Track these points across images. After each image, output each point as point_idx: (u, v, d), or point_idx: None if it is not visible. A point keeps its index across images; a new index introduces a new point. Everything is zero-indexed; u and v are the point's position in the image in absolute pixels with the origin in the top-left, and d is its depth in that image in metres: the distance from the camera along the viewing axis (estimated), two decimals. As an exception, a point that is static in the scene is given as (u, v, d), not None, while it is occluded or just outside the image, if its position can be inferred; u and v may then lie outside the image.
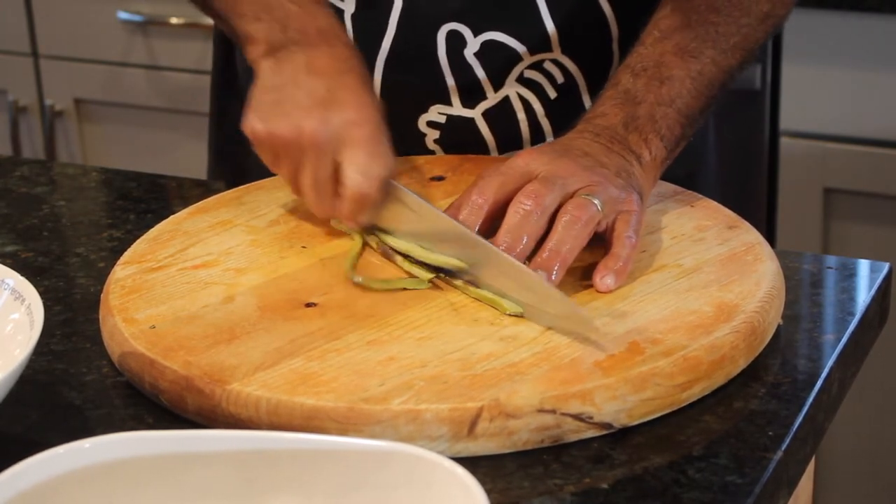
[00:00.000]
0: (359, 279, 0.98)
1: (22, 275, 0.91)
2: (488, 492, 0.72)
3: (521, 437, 0.84)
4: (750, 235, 1.03)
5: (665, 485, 0.81)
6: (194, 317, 0.95)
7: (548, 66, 1.19)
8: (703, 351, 0.89)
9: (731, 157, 1.48)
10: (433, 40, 1.18)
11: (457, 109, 1.20)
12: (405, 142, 1.20)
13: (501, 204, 0.98)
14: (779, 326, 0.96)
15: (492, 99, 1.20)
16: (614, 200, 0.98)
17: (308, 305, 0.96)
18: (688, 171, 1.21)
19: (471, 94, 1.19)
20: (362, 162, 1.00)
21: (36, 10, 2.31)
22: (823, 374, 0.92)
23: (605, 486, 0.82)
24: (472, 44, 1.18)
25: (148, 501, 0.75)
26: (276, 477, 0.75)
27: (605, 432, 0.86)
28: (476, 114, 1.20)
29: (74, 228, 1.19)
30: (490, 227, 0.98)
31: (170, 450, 0.75)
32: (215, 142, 1.40)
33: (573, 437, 0.85)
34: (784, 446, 0.84)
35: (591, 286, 0.96)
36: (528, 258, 0.96)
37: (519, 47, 1.18)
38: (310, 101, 1.02)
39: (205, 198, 1.13)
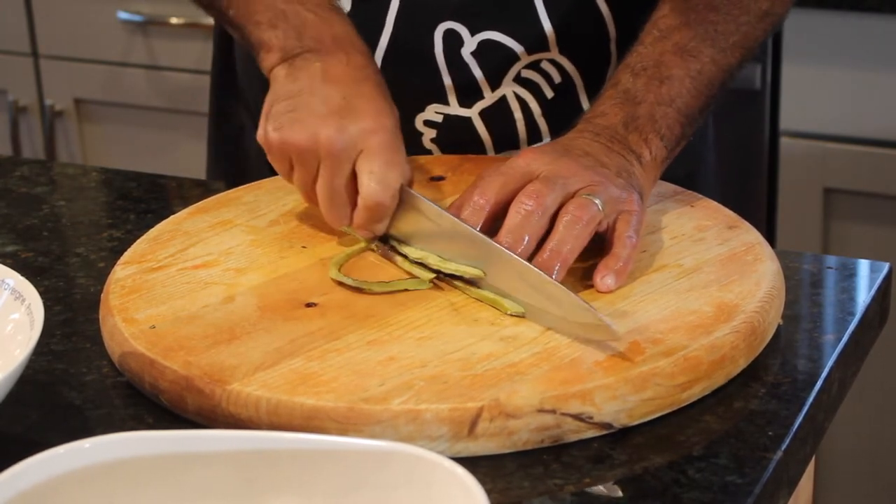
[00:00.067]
0: (349, 280, 0.97)
1: (22, 275, 0.91)
2: (488, 492, 0.72)
3: (521, 437, 0.84)
4: (750, 235, 1.03)
5: (665, 485, 0.81)
6: (194, 317, 0.95)
7: (545, 65, 1.19)
8: (704, 351, 0.89)
9: (730, 156, 1.48)
10: (430, 39, 1.18)
11: (454, 109, 1.20)
12: (403, 141, 1.20)
13: (503, 204, 0.98)
14: (779, 326, 0.96)
15: (489, 98, 1.20)
16: (615, 200, 0.98)
17: (308, 305, 0.96)
18: (688, 171, 1.21)
19: (468, 94, 1.19)
20: (378, 171, 0.99)
21: (36, 10, 2.31)
22: (823, 374, 0.92)
23: (605, 486, 0.82)
24: (469, 43, 1.18)
25: (148, 501, 0.74)
26: (276, 477, 0.75)
27: (605, 432, 0.86)
28: (473, 113, 1.20)
29: (74, 228, 1.19)
30: (491, 228, 0.98)
31: (170, 450, 0.75)
32: (215, 142, 1.40)
33: (573, 437, 0.85)
34: (784, 446, 0.84)
35: (592, 286, 0.96)
36: (529, 258, 0.96)
37: (516, 47, 1.18)
38: (325, 109, 1.01)
39: (205, 198, 1.13)
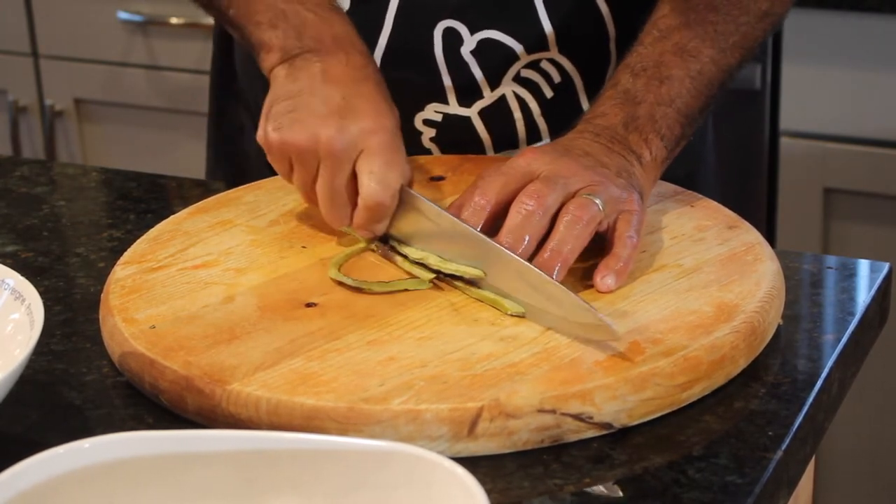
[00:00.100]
0: (349, 280, 0.98)
1: (22, 275, 0.91)
2: (488, 492, 0.72)
3: (521, 437, 0.84)
4: (750, 235, 1.03)
5: (665, 485, 0.81)
6: (194, 317, 0.95)
7: (544, 65, 1.19)
8: (704, 351, 0.89)
9: (730, 156, 1.48)
10: (429, 38, 1.18)
11: (453, 108, 1.20)
12: (402, 140, 1.20)
13: (503, 204, 0.98)
14: (779, 326, 0.96)
15: (488, 98, 1.20)
16: (616, 200, 0.98)
17: (308, 305, 0.96)
18: (688, 171, 1.21)
19: (467, 93, 1.19)
20: (378, 171, 0.99)
21: (36, 10, 2.31)
22: (823, 374, 0.92)
23: (605, 486, 0.82)
24: (469, 42, 1.18)
25: (148, 501, 0.74)
26: (276, 477, 0.75)
27: (605, 432, 0.86)
28: (472, 112, 1.20)
29: (74, 228, 1.19)
30: (492, 228, 0.98)
31: (170, 450, 0.75)
32: (214, 142, 1.40)
33: (573, 437, 0.85)
34: (784, 446, 0.84)
35: (592, 286, 0.96)
36: (530, 258, 0.96)
37: (516, 46, 1.18)
38: (326, 109, 1.01)
39: (204, 198, 1.13)
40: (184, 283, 0.99)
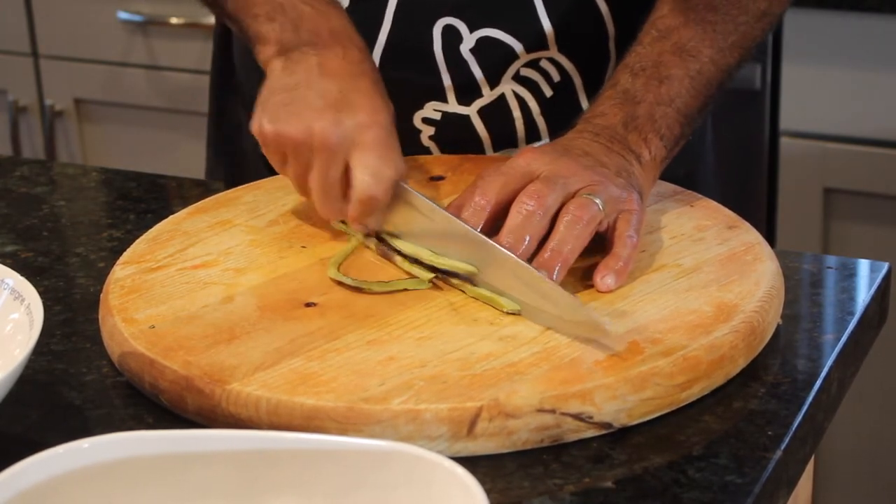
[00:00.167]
0: (348, 280, 0.98)
1: (22, 275, 0.91)
2: (488, 492, 0.72)
3: (521, 437, 0.84)
4: (749, 235, 1.03)
5: (665, 485, 0.81)
6: (194, 317, 0.95)
7: (544, 64, 1.19)
8: (703, 351, 0.89)
9: (730, 156, 1.49)
10: (429, 35, 1.18)
11: (452, 106, 1.20)
12: (401, 138, 1.20)
13: (504, 204, 0.98)
14: (778, 326, 0.96)
15: (487, 96, 1.20)
16: (615, 200, 0.98)
17: (308, 305, 0.96)
18: (687, 171, 1.21)
19: (466, 91, 1.19)
20: (372, 164, 0.99)
21: (36, 10, 2.31)
22: (823, 374, 0.92)
23: (605, 486, 0.82)
24: (468, 40, 1.18)
25: (148, 501, 0.75)
26: (276, 477, 0.75)
27: (604, 432, 0.86)
28: (471, 111, 1.20)
29: (74, 228, 1.19)
30: (492, 227, 0.98)
31: (170, 450, 0.75)
32: (214, 141, 1.41)
33: (573, 437, 0.85)
34: (783, 446, 0.84)
35: (592, 286, 0.96)
36: (530, 258, 0.96)
37: (515, 45, 1.18)
38: (321, 102, 1.01)
39: (204, 197, 1.13)
40: (183, 283, 0.99)
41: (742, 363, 0.91)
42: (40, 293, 0.89)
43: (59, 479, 0.73)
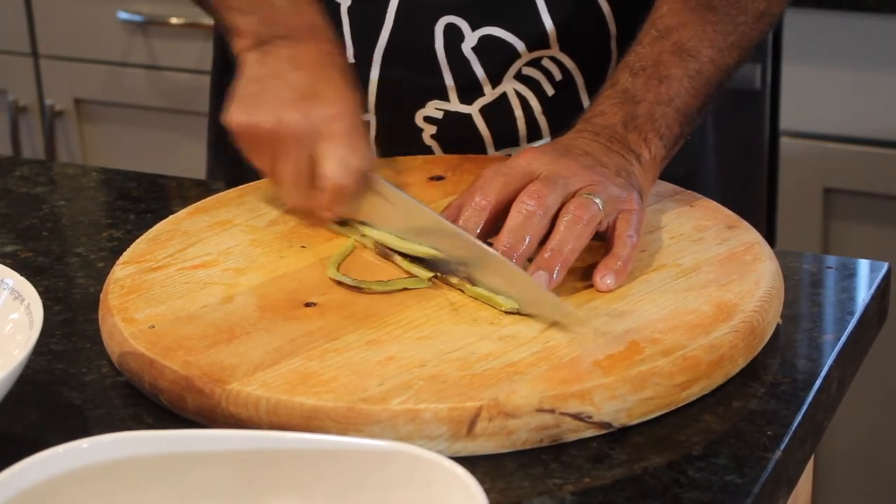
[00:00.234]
0: (348, 280, 0.98)
1: (22, 275, 0.91)
2: (488, 492, 0.72)
3: (521, 437, 0.84)
4: (749, 235, 1.03)
5: (665, 485, 0.81)
6: (194, 317, 0.95)
7: (546, 63, 1.19)
8: (703, 350, 0.89)
9: (730, 156, 1.48)
10: (430, 34, 1.18)
11: (454, 105, 1.20)
12: (402, 137, 1.21)
13: (504, 204, 0.98)
14: (778, 326, 0.96)
15: (489, 95, 1.20)
16: (615, 199, 0.98)
17: (307, 305, 0.96)
18: (687, 171, 1.21)
19: (468, 90, 1.20)
20: (340, 154, 1.02)
21: (36, 10, 2.31)
22: (823, 374, 0.92)
23: (604, 485, 0.82)
24: (470, 38, 1.18)
25: (148, 501, 0.75)
26: (276, 477, 0.75)
27: (604, 431, 0.86)
28: (473, 110, 1.20)
29: (74, 228, 1.19)
30: (492, 227, 0.98)
31: (170, 450, 0.75)
32: (214, 141, 1.41)
33: (572, 437, 0.85)
34: (783, 446, 0.84)
35: (591, 286, 0.96)
36: (530, 259, 0.96)
37: (517, 44, 1.18)
38: (292, 93, 1.04)
39: (204, 197, 1.13)
40: (183, 282, 0.99)
41: (742, 363, 0.91)
42: (40, 293, 0.89)
43: (59, 479, 0.73)
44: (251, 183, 1.15)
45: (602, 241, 0.98)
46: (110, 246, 1.13)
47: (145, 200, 1.23)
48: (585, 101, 1.21)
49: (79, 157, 2.36)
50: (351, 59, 1.21)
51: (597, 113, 1.06)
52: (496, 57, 1.19)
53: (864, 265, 1.06)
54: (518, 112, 1.20)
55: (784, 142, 1.87)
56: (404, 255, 1.01)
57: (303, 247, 1.04)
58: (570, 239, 0.95)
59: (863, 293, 1.02)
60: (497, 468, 0.83)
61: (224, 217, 1.09)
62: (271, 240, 1.05)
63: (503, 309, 0.94)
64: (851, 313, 0.99)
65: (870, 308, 1.01)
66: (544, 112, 1.21)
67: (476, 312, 0.94)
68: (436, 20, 1.18)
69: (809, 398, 0.89)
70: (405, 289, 0.97)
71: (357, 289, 0.97)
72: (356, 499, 0.74)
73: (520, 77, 1.20)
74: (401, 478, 0.73)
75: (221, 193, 1.14)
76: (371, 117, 1.22)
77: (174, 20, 2.21)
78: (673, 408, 0.88)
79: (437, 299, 0.96)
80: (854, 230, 1.87)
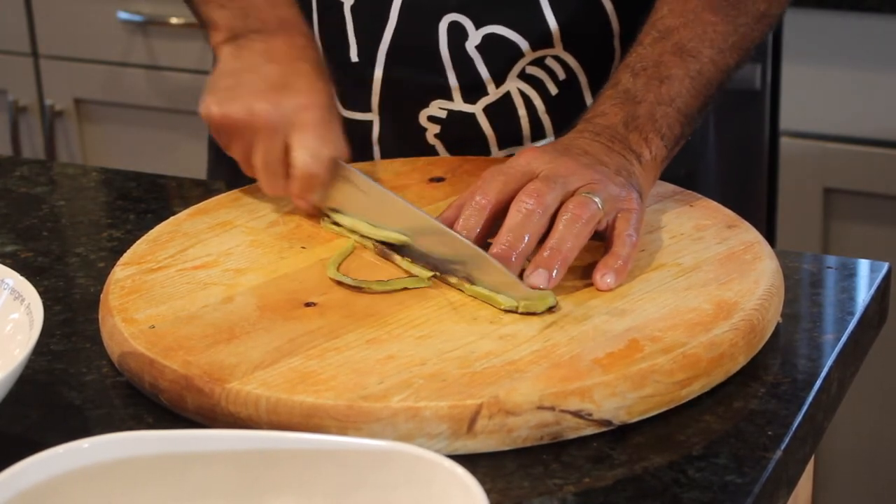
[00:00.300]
0: (348, 279, 0.98)
1: (22, 275, 0.91)
2: (488, 491, 0.72)
3: (521, 435, 0.84)
4: (749, 234, 1.03)
5: (665, 485, 0.81)
6: (194, 317, 0.95)
7: (549, 62, 1.19)
8: (703, 348, 0.89)
9: (730, 156, 1.49)
10: (434, 32, 1.18)
11: (458, 104, 1.20)
12: (406, 136, 1.21)
13: (504, 203, 0.98)
14: (778, 325, 0.96)
15: (493, 94, 1.20)
16: (615, 199, 0.98)
17: (307, 305, 0.96)
18: (688, 171, 1.21)
19: (472, 89, 1.20)
20: (311, 144, 1.05)
21: (36, 10, 2.31)
22: (823, 374, 0.92)
23: (605, 486, 0.82)
24: (474, 37, 1.18)
25: (148, 501, 0.75)
26: (276, 477, 0.75)
27: (604, 429, 0.86)
28: (477, 109, 1.20)
29: (74, 228, 1.19)
30: (492, 227, 0.98)
31: (169, 450, 0.75)
32: (214, 142, 1.41)
33: (572, 435, 0.85)
34: (783, 446, 0.84)
35: (591, 284, 0.96)
36: (530, 258, 0.96)
37: (521, 42, 1.18)
38: (264, 85, 1.07)
39: (205, 198, 1.13)
40: (183, 283, 0.99)
41: (742, 361, 0.91)
42: (40, 293, 0.89)
43: (59, 479, 0.73)
44: (252, 184, 1.15)
45: (601, 241, 0.99)
46: (110, 246, 1.13)
47: (145, 200, 1.23)
48: (589, 101, 1.21)
49: (79, 157, 2.36)
50: (354, 59, 1.21)
51: (598, 113, 1.06)
52: (500, 56, 1.19)
53: (864, 265, 1.06)
54: (522, 111, 1.21)
55: (784, 142, 1.87)
56: (403, 255, 1.01)
57: (303, 247, 1.04)
58: (569, 237, 0.96)
59: (863, 293, 1.02)
60: (497, 468, 0.83)
61: (224, 218, 1.09)
62: (271, 241, 1.05)
63: (502, 308, 0.94)
64: (851, 313, 0.99)
65: (870, 308, 1.01)
66: (548, 111, 1.21)
67: (476, 311, 0.94)
68: (439, 18, 1.18)
69: (810, 398, 0.89)
70: (405, 288, 0.97)
71: (357, 288, 0.97)
72: (356, 498, 0.74)
73: (523, 76, 1.20)
74: (401, 477, 0.73)
75: (222, 195, 1.14)
76: (374, 117, 1.22)
77: (174, 20, 2.21)
78: (673, 405, 0.88)
79: (437, 298, 0.96)
80: (854, 230, 1.87)
